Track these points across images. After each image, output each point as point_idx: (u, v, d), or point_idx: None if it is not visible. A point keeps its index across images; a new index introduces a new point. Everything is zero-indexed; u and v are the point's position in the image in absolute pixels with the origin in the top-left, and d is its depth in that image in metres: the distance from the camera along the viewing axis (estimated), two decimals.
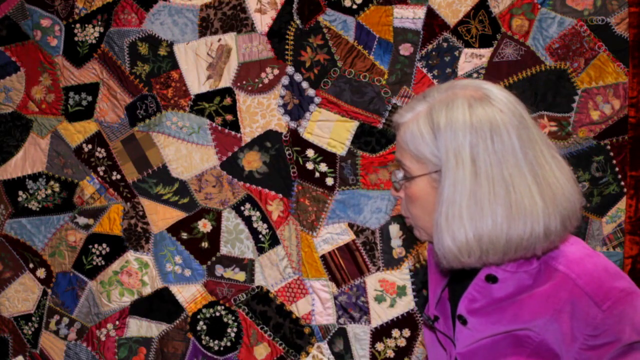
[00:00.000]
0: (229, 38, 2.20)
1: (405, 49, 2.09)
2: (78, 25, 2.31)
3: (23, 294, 2.45)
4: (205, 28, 2.22)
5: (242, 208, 2.25)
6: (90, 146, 2.35)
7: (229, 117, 2.23)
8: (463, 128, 0.95)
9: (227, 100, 2.23)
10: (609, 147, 1.98)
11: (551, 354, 0.98)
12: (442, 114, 0.98)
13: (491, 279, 1.01)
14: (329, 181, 2.18)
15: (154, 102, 2.27)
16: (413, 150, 1.01)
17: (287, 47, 2.16)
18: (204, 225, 2.29)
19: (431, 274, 1.21)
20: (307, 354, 2.24)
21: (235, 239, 2.27)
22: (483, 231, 0.94)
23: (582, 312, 0.94)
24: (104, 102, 2.31)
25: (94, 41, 2.30)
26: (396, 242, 2.15)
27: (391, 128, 1.07)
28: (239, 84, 2.21)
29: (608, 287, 0.94)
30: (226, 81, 2.22)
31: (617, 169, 1.97)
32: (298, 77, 2.16)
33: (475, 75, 2.04)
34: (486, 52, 2.04)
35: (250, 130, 2.22)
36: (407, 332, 2.16)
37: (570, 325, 0.95)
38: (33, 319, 2.45)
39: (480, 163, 0.94)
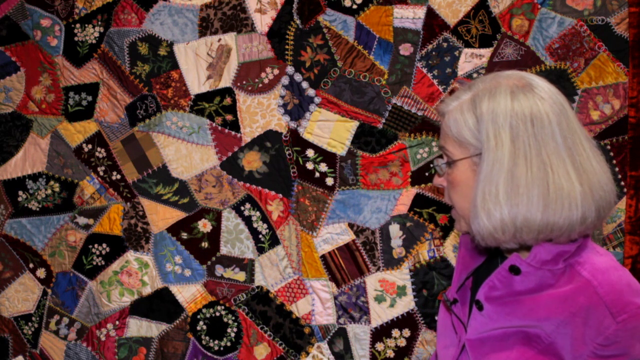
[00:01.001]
0: (229, 38, 2.20)
1: (405, 49, 2.09)
2: (78, 25, 2.31)
3: (23, 294, 2.45)
4: (205, 28, 2.22)
5: (242, 208, 2.25)
6: (90, 146, 2.35)
7: (229, 117, 2.23)
8: (504, 112, 0.99)
9: (227, 100, 2.23)
10: (609, 147, 1.98)
11: (558, 358, 0.99)
12: (485, 101, 1.01)
13: (514, 270, 1.03)
14: (329, 181, 2.18)
15: (154, 102, 2.28)
16: (456, 135, 1.04)
17: (287, 47, 2.16)
18: (204, 225, 2.29)
19: (459, 261, 1.24)
20: (307, 354, 2.24)
21: (235, 239, 2.27)
22: (518, 210, 0.96)
23: (597, 320, 0.95)
24: (104, 102, 2.32)
25: (94, 41, 2.30)
26: (396, 242, 2.15)
27: (437, 116, 1.11)
28: (239, 84, 2.21)
29: (627, 300, 0.95)
30: (226, 81, 2.22)
31: (617, 169, 1.97)
32: (298, 77, 2.16)
33: (475, 75, 2.04)
34: (486, 52, 2.04)
35: (250, 130, 2.22)
36: (407, 332, 2.16)
37: (583, 332, 0.96)
38: (33, 319, 2.45)
39: (519, 144, 0.97)
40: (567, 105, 1.02)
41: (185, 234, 2.30)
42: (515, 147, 0.97)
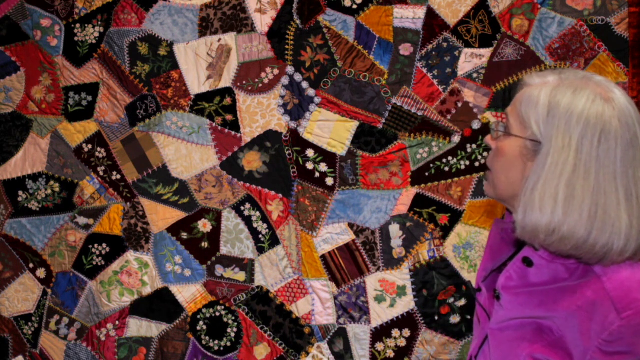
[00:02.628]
0: (229, 38, 2.20)
1: (405, 49, 2.09)
2: (78, 25, 2.31)
3: (23, 294, 2.45)
4: (205, 28, 2.22)
5: (242, 208, 2.25)
6: (90, 146, 2.35)
7: (229, 117, 2.23)
8: (579, 117, 0.97)
9: (227, 100, 2.23)
10: None
11: (565, 353, 0.99)
12: (567, 96, 1.00)
13: (527, 261, 1.04)
14: (329, 181, 2.18)
15: (154, 102, 2.28)
16: (522, 111, 1.04)
17: (287, 47, 2.16)
18: (204, 225, 2.29)
19: (487, 250, 1.24)
20: (307, 354, 2.24)
21: (235, 239, 2.27)
22: (567, 219, 0.96)
23: (602, 315, 0.95)
24: (104, 102, 2.32)
25: (94, 41, 2.30)
26: (396, 242, 2.15)
27: (517, 85, 1.11)
28: (239, 84, 2.21)
29: (634, 297, 0.94)
30: (226, 81, 2.22)
31: None
32: (298, 77, 2.16)
33: (475, 75, 2.04)
34: (486, 52, 2.04)
35: (250, 130, 2.22)
36: (407, 332, 2.16)
37: (589, 326, 0.96)
38: (33, 319, 2.45)
39: (583, 156, 0.96)
40: None
41: (185, 234, 2.30)
42: (577, 157, 0.96)
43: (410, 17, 2.08)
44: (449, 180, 2.09)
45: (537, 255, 1.02)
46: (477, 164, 2.07)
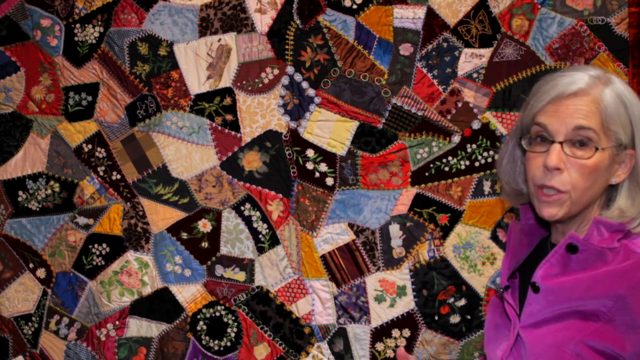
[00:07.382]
0: (229, 38, 2.20)
1: (405, 49, 2.09)
2: (78, 25, 2.31)
3: (23, 294, 2.45)
4: (205, 28, 2.22)
5: (242, 208, 2.25)
6: (90, 146, 2.35)
7: (229, 117, 2.23)
8: None
9: (227, 100, 2.23)
10: None
11: (612, 335, 0.99)
12: (626, 93, 1.05)
13: (572, 248, 1.03)
14: (329, 181, 2.18)
15: (154, 102, 2.28)
16: (608, 120, 1.03)
17: (287, 47, 2.16)
18: (204, 225, 2.29)
19: (509, 250, 1.23)
20: (307, 354, 2.24)
21: (235, 239, 2.27)
22: None
23: None
24: (104, 102, 2.32)
25: (94, 41, 2.30)
26: (396, 242, 2.15)
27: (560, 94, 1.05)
28: (239, 84, 2.21)
29: None
30: (226, 81, 2.22)
31: None
32: (298, 77, 2.16)
33: (475, 75, 2.04)
34: (486, 52, 2.04)
35: (250, 130, 2.22)
36: (407, 332, 2.16)
37: None
38: (33, 319, 2.45)
39: None
40: None
41: (185, 234, 2.30)
42: None
43: (410, 17, 2.08)
44: (449, 180, 2.09)
45: (582, 241, 1.03)
46: (477, 164, 2.07)
